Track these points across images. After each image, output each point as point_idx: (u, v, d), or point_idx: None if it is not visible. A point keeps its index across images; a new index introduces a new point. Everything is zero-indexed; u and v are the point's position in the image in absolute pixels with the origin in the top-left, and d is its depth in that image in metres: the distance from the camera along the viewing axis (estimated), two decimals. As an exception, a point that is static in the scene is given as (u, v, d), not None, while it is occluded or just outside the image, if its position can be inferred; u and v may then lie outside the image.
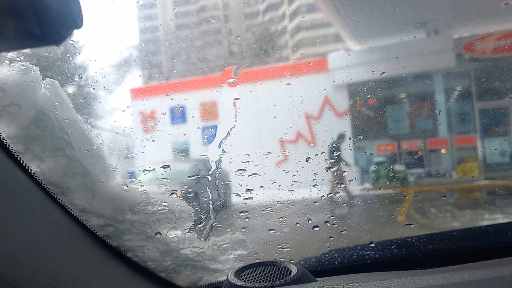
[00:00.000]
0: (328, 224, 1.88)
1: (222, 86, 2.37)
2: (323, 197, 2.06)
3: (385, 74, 3.65)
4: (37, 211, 0.97)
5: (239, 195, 2.02)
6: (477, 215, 5.72)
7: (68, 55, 1.51)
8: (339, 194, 2.03)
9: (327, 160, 2.12)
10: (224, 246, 1.56)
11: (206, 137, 2.74)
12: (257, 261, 1.25)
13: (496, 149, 10.40)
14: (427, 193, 8.75)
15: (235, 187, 2.19)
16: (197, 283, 1.43)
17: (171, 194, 1.54)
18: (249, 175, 2.03)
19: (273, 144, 7.36)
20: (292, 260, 1.37)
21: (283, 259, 1.25)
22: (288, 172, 2.53)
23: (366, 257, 1.48)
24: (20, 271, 0.80)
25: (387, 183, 7.87)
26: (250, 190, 2.07)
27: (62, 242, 1.01)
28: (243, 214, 1.89)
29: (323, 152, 2.21)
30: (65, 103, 1.23)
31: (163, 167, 2.02)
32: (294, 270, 1.15)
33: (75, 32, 0.68)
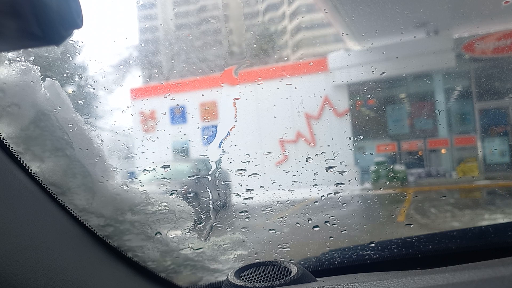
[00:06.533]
0: (328, 224, 1.88)
1: (222, 86, 2.36)
2: (323, 197, 2.06)
3: (385, 74, 3.65)
4: (37, 211, 0.97)
5: (239, 195, 2.02)
6: (477, 215, 5.71)
7: (68, 55, 1.50)
8: (339, 194, 2.03)
9: None
10: (224, 246, 1.56)
11: (206, 137, 2.74)
12: (257, 261, 1.25)
13: (496, 149, 10.39)
14: (427, 193, 8.74)
15: (235, 187, 2.19)
16: (197, 283, 1.43)
17: (171, 194, 1.54)
18: (249, 175, 2.03)
19: (273, 144, 7.36)
20: (292, 260, 1.37)
21: (283, 259, 1.25)
22: (288, 172, 2.53)
23: (366, 257, 1.48)
24: (20, 271, 0.80)
25: (387, 183, 7.87)
26: (250, 190, 2.07)
27: (62, 242, 1.01)
28: (243, 214, 1.89)
29: (323, 152, 2.21)
30: (65, 103, 1.23)
31: (163, 167, 2.02)
32: (294, 270, 1.15)
33: (75, 32, 0.68)
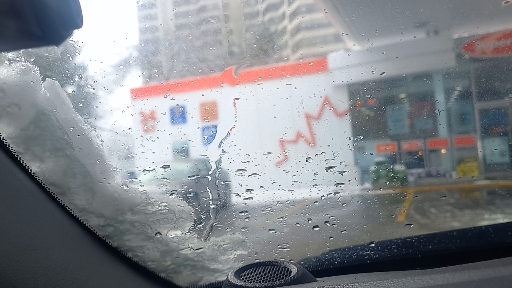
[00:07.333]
0: (328, 224, 1.88)
1: (222, 86, 2.37)
2: (323, 197, 2.05)
3: (385, 74, 3.65)
4: (37, 211, 0.97)
5: (239, 195, 2.02)
6: (477, 215, 5.71)
7: (68, 55, 1.50)
8: (339, 194, 2.03)
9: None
10: (224, 246, 1.56)
11: (206, 137, 2.74)
12: (257, 261, 1.25)
13: (496, 149, 10.38)
14: (427, 193, 8.74)
15: (235, 187, 2.19)
16: (197, 283, 1.43)
17: (171, 194, 1.54)
18: (249, 175, 2.03)
19: (273, 144, 7.36)
20: (292, 260, 1.37)
21: (283, 259, 1.25)
22: (288, 172, 2.53)
23: (366, 257, 1.48)
24: (20, 271, 0.80)
25: (387, 183, 7.87)
26: (250, 190, 2.06)
27: (62, 242, 1.01)
28: (243, 214, 1.89)
29: (323, 152, 2.21)
30: (65, 103, 1.23)
31: (163, 167, 2.02)
32: (294, 270, 1.15)
33: (75, 32, 0.68)
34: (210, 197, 1.81)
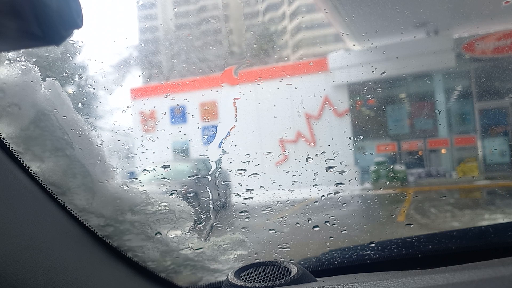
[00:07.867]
0: (328, 224, 1.88)
1: (222, 86, 2.37)
2: (323, 197, 2.06)
3: (385, 74, 3.65)
4: (37, 211, 0.97)
5: (239, 195, 2.02)
6: (477, 215, 5.71)
7: (68, 55, 1.50)
8: (339, 194, 2.03)
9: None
10: (224, 246, 1.56)
11: (206, 137, 2.74)
12: (257, 261, 1.25)
13: (496, 149, 10.38)
14: (427, 193, 8.74)
15: (235, 187, 2.19)
16: (197, 283, 1.43)
17: (171, 194, 1.54)
18: (249, 175, 2.03)
19: (273, 144, 7.36)
20: (292, 260, 1.37)
21: (283, 259, 1.25)
22: (288, 172, 2.53)
23: (366, 257, 1.48)
24: (20, 271, 0.80)
25: (387, 183, 7.86)
26: (250, 190, 2.07)
27: (62, 242, 1.01)
28: (243, 214, 1.89)
29: (323, 152, 2.21)
30: (65, 103, 1.23)
31: (163, 167, 2.02)
32: (294, 270, 1.15)
33: (75, 32, 0.68)
34: (210, 197, 1.81)
